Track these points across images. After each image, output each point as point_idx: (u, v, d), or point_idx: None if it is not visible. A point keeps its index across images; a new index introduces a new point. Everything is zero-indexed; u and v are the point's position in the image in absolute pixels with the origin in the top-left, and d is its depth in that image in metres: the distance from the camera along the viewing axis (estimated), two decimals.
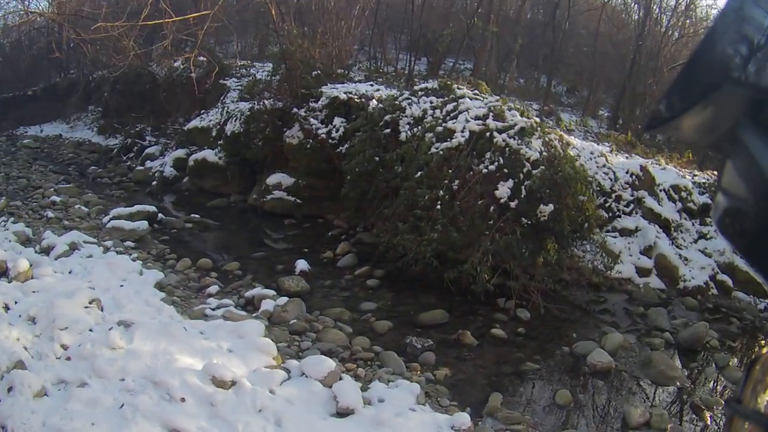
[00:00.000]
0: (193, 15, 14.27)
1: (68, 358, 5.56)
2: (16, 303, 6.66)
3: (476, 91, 10.16)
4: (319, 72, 12.78)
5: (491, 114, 8.81)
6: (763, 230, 0.63)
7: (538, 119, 9.84)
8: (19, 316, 6.32)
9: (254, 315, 7.09)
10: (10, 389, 4.95)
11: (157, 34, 16.34)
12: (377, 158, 9.44)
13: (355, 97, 11.34)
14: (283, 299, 7.46)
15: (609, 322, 8.20)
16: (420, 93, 10.11)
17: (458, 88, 9.87)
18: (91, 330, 6.01)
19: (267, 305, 7.28)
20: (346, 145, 10.58)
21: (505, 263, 7.87)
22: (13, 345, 5.61)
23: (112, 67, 16.30)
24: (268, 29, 14.45)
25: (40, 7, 27.83)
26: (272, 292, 7.70)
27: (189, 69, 15.08)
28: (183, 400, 4.81)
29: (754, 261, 0.66)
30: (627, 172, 10.71)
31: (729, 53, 0.63)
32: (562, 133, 10.17)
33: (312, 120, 11.52)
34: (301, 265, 8.67)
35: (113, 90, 20.32)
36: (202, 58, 16.04)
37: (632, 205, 10.48)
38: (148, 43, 17.59)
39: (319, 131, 11.27)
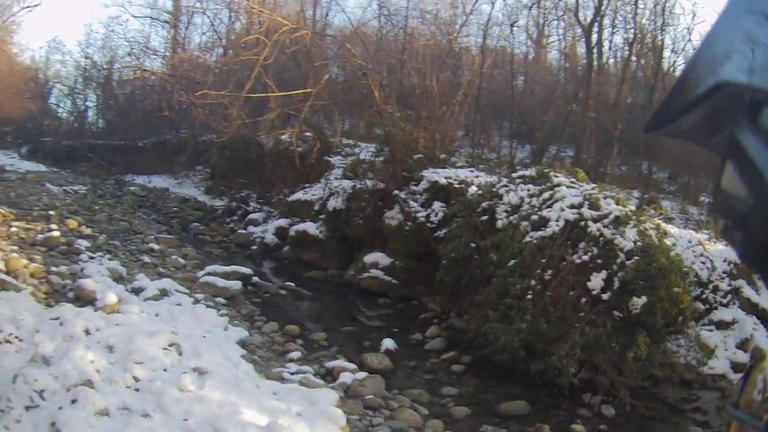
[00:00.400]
0: (296, 92, 15.30)
1: (137, 389, 5.87)
2: (97, 330, 7.08)
3: (573, 179, 10.19)
4: (421, 156, 13.16)
5: (586, 202, 8.79)
6: (762, 231, 0.65)
7: (633, 207, 9.69)
8: (98, 342, 6.72)
9: (331, 385, 7.16)
10: (73, 401, 5.29)
11: (265, 106, 17.60)
12: (473, 244, 9.54)
13: (455, 182, 11.58)
14: (363, 374, 7.53)
15: (699, 421, 7.76)
16: (518, 180, 10.23)
17: (555, 176, 9.92)
18: (165, 370, 6.32)
19: (345, 378, 7.37)
20: (444, 230, 10.74)
21: (594, 357, 7.68)
22: (86, 365, 5.96)
23: (220, 132, 17.64)
24: (371, 111, 15.20)
25: (154, 66, 30.76)
26: (353, 366, 7.80)
27: (294, 142, 16.11)
28: None
29: (754, 261, 0.69)
30: (725, 261, 10.13)
31: (728, 56, 0.67)
32: (659, 221, 9.97)
33: (412, 203, 11.84)
34: (387, 343, 8.75)
35: (222, 154, 21.57)
36: (307, 133, 17.07)
37: (729, 296, 9.89)
38: (257, 113, 18.74)
39: (418, 214, 11.53)
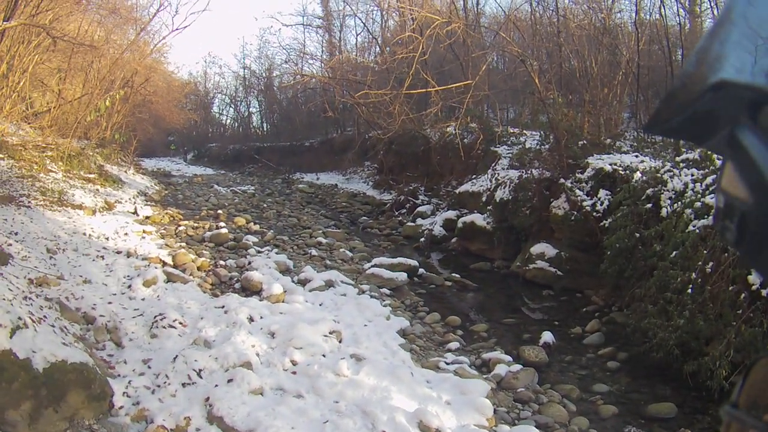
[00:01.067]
0: (455, 85, 15.80)
1: (293, 372, 6.47)
2: (261, 318, 7.83)
3: None
4: (585, 142, 13.11)
5: None
6: (762, 231, 0.67)
7: None
8: (261, 329, 7.42)
9: (485, 376, 7.37)
10: (230, 380, 5.93)
11: (428, 99, 18.29)
12: (637, 234, 9.41)
13: (620, 168, 11.40)
14: (518, 367, 7.66)
15: None
16: (681, 165, 9.92)
17: (718, 159, 9.45)
18: (323, 355, 6.88)
19: (500, 369, 7.55)
20: (609, 219, 10.64)
21: (747, 359, 7.01)
22: (247, 349, 6.66)
23: (385, 129, 18.53)
24: (534, 98, 15.33)
25: (313, 70, 32.60)
26: (509, 358, 7.98)
27: (460, 134, 16.65)
28: None
29: (754, 262, 0.71)
30: None
31: (728, 54, 0.68)
32: None
33: (578, 191, 11.79)
34: (546, 336, 8.82)
35: (389, 149, 22.50)
36: (472, 124, 17.56)
37: None
38: (421, 107, 19.31)
39: (584, 203, 11.49)
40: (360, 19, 31.18)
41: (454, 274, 12.81)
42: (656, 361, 7.91)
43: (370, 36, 31.20)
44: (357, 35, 38.16)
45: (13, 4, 12.36)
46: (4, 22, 11.86)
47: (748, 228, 0.69)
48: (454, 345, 8.70)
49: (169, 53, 37.23)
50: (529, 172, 13.67)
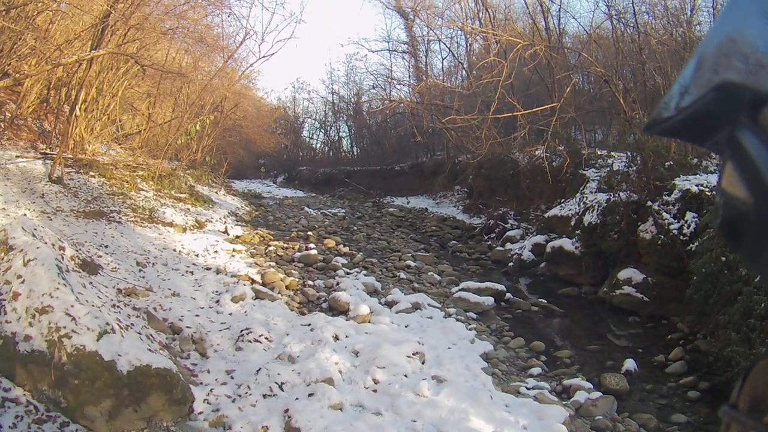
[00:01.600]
0: (540, 108, 15.93)
1: (374, 390, 6.78)
2: (346, 337, 8.21)
3: None
4: (672, 163, 12.94)
5: None
6: (762, 231, 0.68)
7: None
8: (345, 347, 7.78)
9: (564, 403, 7.39)
10: (310, 394, 6.27)
11: (516, 123, 18.47)
12: (723, 258, 9.17)
13: (707, 189, 11.22)
14: (597, 394, 7.69)
15: None
16: None
17: None
18: (405, 375, 7.17)
19: (579, 396, 7.59)
20: (696, 243, 10.47)
21: None
22: (330, 366, 7.01)
23: (473, 152, 18.72)
24: (619, 118, 15.32)
25: (401, 95, 33.17)
26: (589, 385, 7.99)
27: (548, 157, 16.76)
28: None
29: (754, 262, 0.72)
30: None
31: (729, 56, 0.72)
32: None
33: (665, 214, 11.67)
34: (629, 364, 8.82)
35: (478, 174, 22.75)
36: (560, 147, 17.66)
37: None
38: (509, 131, 19.43)
39: (671, 226, 11.34)
40: (444, 44, 31.81)
41: (541, 300, 12.88)
42: None
43: (456, 60, 31.66)
44: (443, 59, 38.58)
45: (99, 33, 13.38)
46: (92, 51, 12.90)
47: (748, 228, 0.70)
48: (536, 370, 8.81)
49: (258, 79, 38.89)
50: (616, 195, 13.63)
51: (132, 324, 6.79)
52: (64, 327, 5.36)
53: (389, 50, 37.71)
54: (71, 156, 14.36)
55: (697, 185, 11.71)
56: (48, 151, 14.02)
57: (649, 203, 12.32)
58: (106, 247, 10.16)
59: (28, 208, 10.50)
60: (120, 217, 12.21)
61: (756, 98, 0.69)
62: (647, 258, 12.09)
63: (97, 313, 5.77)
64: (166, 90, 20.82)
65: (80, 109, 14.81)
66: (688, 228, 11.19)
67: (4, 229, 6.52)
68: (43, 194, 11.67)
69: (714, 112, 0.73)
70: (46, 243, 6.64)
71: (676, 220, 11.56)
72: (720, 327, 8.65)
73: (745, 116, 0.70)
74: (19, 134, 14.32)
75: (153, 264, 10.23)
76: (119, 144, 19.67)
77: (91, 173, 14.45)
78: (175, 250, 11.55)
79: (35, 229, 6.92)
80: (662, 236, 11.59)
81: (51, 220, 10.43)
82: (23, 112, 14.80)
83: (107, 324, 5.68)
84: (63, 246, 7.39)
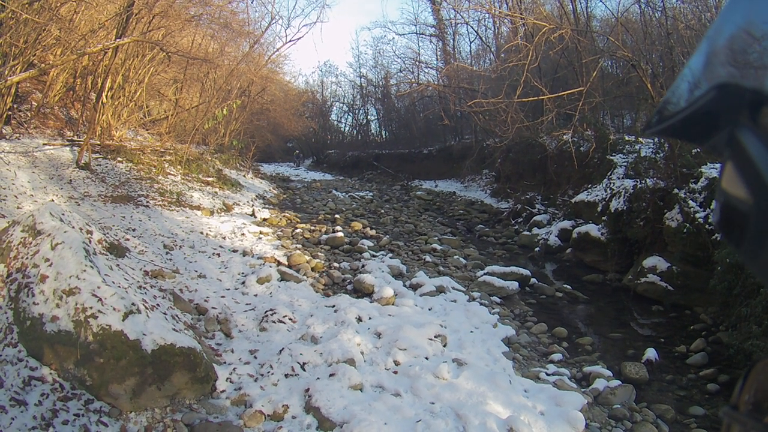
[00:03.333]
0: (566, 92, 15.85)
1: (395, 372, 6.90)
2: (369, 318, 8.36)
3: None
4: (698, 150, 12.67)
5: None
6: (762, 231, 0.68)
7: None
8: (368, 329, 7.92)
9: (583, 390, 7.44)
10: (331, 375, 6.43)
11: (544, 107, 18.35)
12: None
13: None
14: (617, 382, 7.70)
15: None
16: None
17: None
18: (426, 358, 7.28)
19: (599, 384, 7.61)
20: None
21: None
22: (352, 347, 7.15)
23: (501, 136, 18.73)
24: (648, 104, 15.20)
25: (429, 78, 33.04)
26: (609, 373, 8.02)
27: (575, 142, 16.66)
28: None
29: (754, 262, 0.72)
30: None
31: (728, 56, 0.72)
32: None
33: (691, 202, 11.57)
34: (650, 354, 8.83)
35: (506, 157, 22.82)
36: (588, 132, 17.56)
37: None
38: (537, 115, 19.24)
39: (697, 215, 11.26)
40: (472, 27, 31.67)
41: (565, 286, 12.95)
42: None
43: (484, 44, 31.50)
44: (470, 43, 38.45)
45: (124, 22, 13.57)
46: (117, 39, 13.10)
47: (748, 228, 0.70)
48: (557, 356, 8.86)
49: (285, 63, 39.06)
50: (643, 181, 13.58)
51: (158, 304, 6.97)
52: (91, 307, 5.56)
53: (416, 33, 37.65)
54: (98, 142, 14.65)
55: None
56: (75, 138, 14.35)
57: (676, 191, 12.24)
58: (134, 230, 10.39)
59: (56, 194, 10.77)
60: (147, 201, 12.45)
61: (756, 98, 0.69)
62: (672, 246, 12.04)
63: (123, 294, 5.95)
64: (192, 75, 21.04)
65: (107, 96, 15.11)
66: (714, 217, 10.93)
67: (32, 215, 6.74)
68: (70, 180, 11.97)
69: (714, 112, 0.74)
70: (73, 227, 6.84)
71: (702, 209, 11.47)
72: (742, 319, 8.58)
73: (745, 116, 0.70)
74: (46, 123, 14.63)
75: (180, 247, 10.45)
76: (147, 129, 19.98)
77: (119, 159, 14.74)
78: (202, 233, 11.77)
79: (63, 214, 7.13)
80: (688, 225, 11.51)
81: (79, 205, 10.71)
82: (50, 101, 15.11)
83: (133, 304, 5.86)
84: (90, 230, 7.60)
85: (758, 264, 0.71)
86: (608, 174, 16.13)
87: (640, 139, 16.82)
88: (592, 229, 15.02)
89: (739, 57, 0.72)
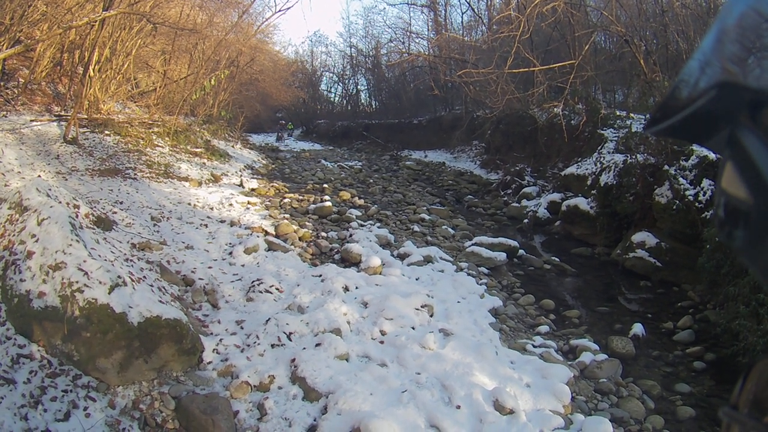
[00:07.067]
0: (557, 65, 15.75)
1: (381, 342, 6.90)
2: (356, 288, 8.33)
3: None
4: None
5: None
6: (762, 231, 0.67)
7: None
8: (355, 298, 7.91)
9: (569, 363, 7.45)
10: (317, 344, 6.43)
11: (535, 79, 18.33)
12: None
13: None
14: (603, 356, 7.73)
15: None
16: None
17: None
18: (413, 328, 7.27)
19: (585, 357, 7.66)
20: (711, 211, 10.28)
21: None
22: (338, 317, 7.14)
23: (491, 107, 18.65)
24: (640, 80, 15.13)
25: (420, 49, 32.86)
26: (596, 347, 8.05)
27: (566, 115, 16.61)
28: (458, 407, 5.62)
29: (753, 262, 0.71)
30: None
31: (728, 55, 0.71)
32: None
33: (681, 179, 11.56)
34: (637, 329, 8.86)
35: (496, 129, 22.84)
36: (579, 105, 17.50)
37: None
38: (528, 87, 19.18)
39: (687, 192, 11.27)
40: None
41: (553, 258, 12.96)
42: (743, 365, 7.15)
43: (476, 15, 31.23)
44: (462, 14, 38.10)
45: None
46: (104, 12, 12.89)
47: (748, 228, 0.70)
48: (544, 329, 8.90)
49: (274, 33, 38.73)
50: (634, 157, 13.55)
51: (144, 277, 6.93)
52: (77, 282, 5.50)
53: (408, 3, 37.26)
54: (86, 116, 14.51)
55: (715, 153, 11.36)
56: (62, 113, 14.18)
57: (666, 167, 12.21)
58: (121, 203, 10.33)
59: (44, 169, 10.67)
60: (135, 174, 12.36)
61: (757, 98, 0.69)
62: (661, 222, 12.06)
63: (109, 267, 5.90)
64: (181, 47, 20.80)
65: (94, 69, 14.92)
66: (704, 195, 11.10)
67: (19, 192, 6.67)
68: (58, 155, 11.87)
69: (714, 111, 0.73)
70: (60, 202, 6.78)
71: (692, 186, 11.46)
72: (729, 299, 8.56)
73: (745, 116, 0.70)
74: (34, 99, 14.46)
75: (167, 218, 10.39)
76: (135, 102, 19.77)
77: (107, 132, 14.61)
78: (189, 204, 11.71)
79: (50, 190, 7.06)
80: (677, 201, 11.52)
81: (66, 180, 10.63)
82: (37, 76, 14.92)
83: (119, 277, 5.81)
84: (77, 204, 7.54)
85: (759, 264, 0.71)
86: (598, 148, 16.08)
87: (632, 114, 16.77)
88: (582, 203, 15.04)
89: (749, 35, 0.71)
